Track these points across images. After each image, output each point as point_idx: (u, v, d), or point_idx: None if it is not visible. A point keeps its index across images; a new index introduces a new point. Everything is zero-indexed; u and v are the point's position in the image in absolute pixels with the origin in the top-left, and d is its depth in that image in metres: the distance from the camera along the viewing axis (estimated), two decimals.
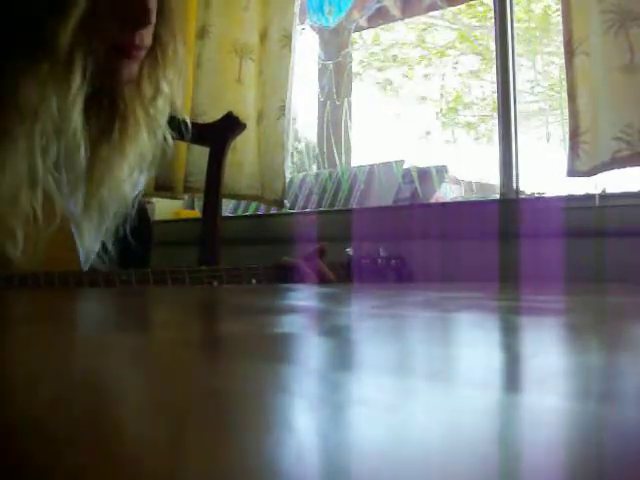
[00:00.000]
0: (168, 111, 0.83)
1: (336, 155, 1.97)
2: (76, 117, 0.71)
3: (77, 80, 0.70)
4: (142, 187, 0.89)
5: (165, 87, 0.80)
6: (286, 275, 0.82)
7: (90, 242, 0.81)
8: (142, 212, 0.94)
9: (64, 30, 0.68)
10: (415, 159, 1.79)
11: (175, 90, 0.83)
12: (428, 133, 2.34)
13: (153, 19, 0.73)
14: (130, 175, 0.81)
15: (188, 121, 0.91)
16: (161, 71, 0.79)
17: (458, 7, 2.33)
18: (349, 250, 0.89)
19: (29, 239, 0.70)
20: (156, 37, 0.77)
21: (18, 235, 0.69)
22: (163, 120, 0.82)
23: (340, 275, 0.86)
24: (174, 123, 0.87)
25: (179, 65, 0.82)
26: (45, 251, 0.71)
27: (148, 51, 0.77)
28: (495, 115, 1.52)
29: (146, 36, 0.74)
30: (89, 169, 0.77)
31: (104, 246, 0.83)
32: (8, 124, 0.69)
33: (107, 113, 0.78)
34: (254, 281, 0.80)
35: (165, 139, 0.84)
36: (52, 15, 0.68)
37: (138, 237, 0.87)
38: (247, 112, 1.65)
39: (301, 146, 2.12)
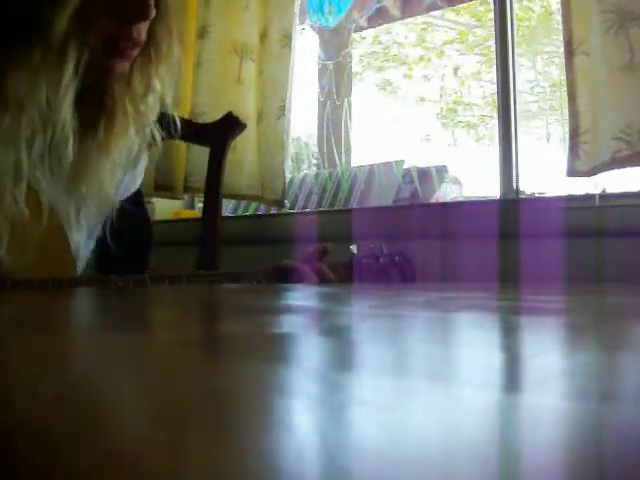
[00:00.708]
0: (158, 109, 0.82)
1: (336, 155, 1.97)
2: (66, 109, 0.70)
3: (69, 71, 0.69)
4: (140, 186, 0.89)
5: (157, 84, 0.80)
6: (286, 277, 0.81)
7: (79, 240, 0.80)
8: (143, 213, 0.93)
9: (59, 18, 0.67)
10: (415, 159, 1.79)
11: (166, 88, 0.83)
12: (428, 133, 2.34)
13: (152, 13, 0.73)
14: (114, 174, 0.80)
15: (177, 118, 0.90)
16: (153, 68, 0.78)
17: (458, 7, 2.33)
18: (352, 247, 0.89)
19: (14, 237, 0.69)
20: (151, 33, 0.77)
21: (1, 231, 0.68)
22: (152, 117, 0.82)
23: (342, 274, 0.85)
24: (164, 121, 0.86)
25: (173, 62, 0.81)
26: (38, 254, 0.71)
27: (142, 48, 0.77)
28: (495, 115, 1.52)
29: (143, 31, 0.74)
30: (73, 167, 0.76)
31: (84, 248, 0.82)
32: None
33: (94, 111, 0.76)
34: (254, 284, 0.80)
35: (153, 137, 0.83)
36: (48, 2, 0.67)
37: (138, 238, 0.86)
38: (247, 112, 1.65)
39: (301, 146, 2.12)
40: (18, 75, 0.68)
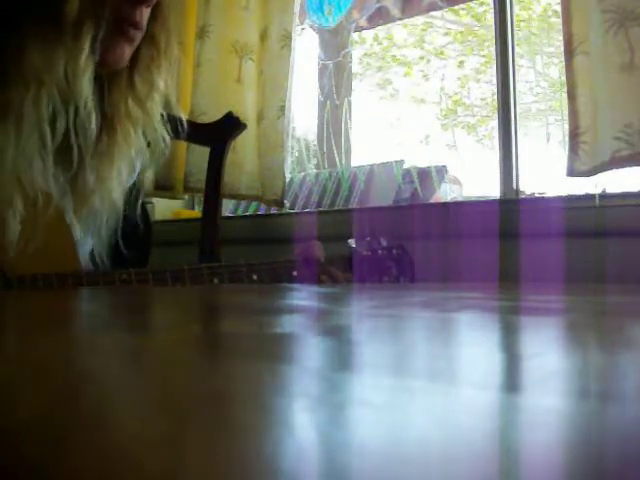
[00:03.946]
0: (160, 109, 0.83)
1: (336, 155, 1.97)
2: (86, 84, 0.71)
3: (86, 49, 0.70)
4: (139, 186, 0.89)
5: (160, 83, 0.80)
6: (294, 270, 0.81)
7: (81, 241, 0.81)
8: (143, 215, 0.93)
9: None
10: (415, 159, 1.79)
11: (169, 87, 0.83)
12: (428, 133, 2.34)
13: None
14: (120, 181, 0.80)
15: (184, 118, 0.90)
16: (155, 67, 0.79)
17: (458, 7, 2.33)
18: (351, 241, 0.89)
19: (27, 220, 0.69)
20: (150, 33, 0.77)
21: (18, 205, 0.69)
22: (157, 117, 0.82)
23: (341, 268, 0.85)
24: (171, 122, 0.87)
25: (173, 62, 0.82)
26: (43, 249, 0.71)
27: (142, 49, 0.77)
28: (495, 115, 1.52)
29: (144, 16, 0.75)
30: (78, 176, 0.76)
31: (98, 255, 0.82)
32: (14, 92, 0.68)
33: (96, 121, 0.77)
34: (255, 277, 0.80)
35: (164, 139, 0.83)
36: None
37: (137, 238, 0.86)
38: (247, 112, 1.65)
39: (301, 145, 2.12)
40: (35, 52, 0.68)
